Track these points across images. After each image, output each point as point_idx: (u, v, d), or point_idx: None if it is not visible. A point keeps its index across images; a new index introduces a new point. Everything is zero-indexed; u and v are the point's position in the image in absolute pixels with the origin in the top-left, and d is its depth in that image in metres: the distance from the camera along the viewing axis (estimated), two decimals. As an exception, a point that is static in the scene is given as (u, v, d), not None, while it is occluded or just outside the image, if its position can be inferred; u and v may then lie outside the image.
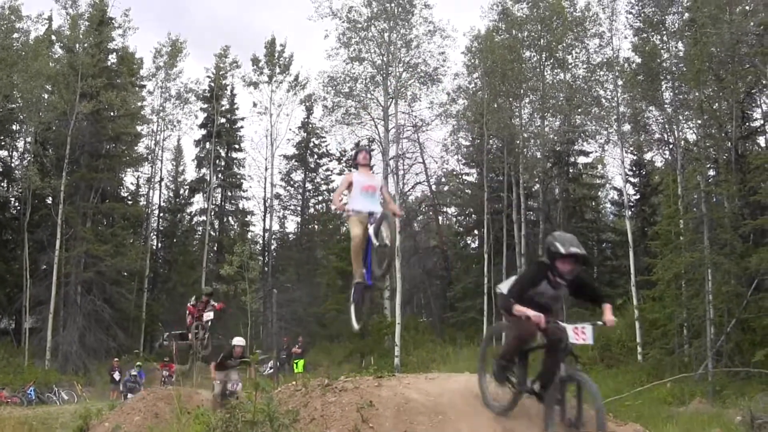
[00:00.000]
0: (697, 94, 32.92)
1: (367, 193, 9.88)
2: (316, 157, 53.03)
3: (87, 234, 40.95)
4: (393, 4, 42.26)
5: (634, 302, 34.34)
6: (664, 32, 36.38)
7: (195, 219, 52.39)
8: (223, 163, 51.61)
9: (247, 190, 52.91)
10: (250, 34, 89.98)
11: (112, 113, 44.23)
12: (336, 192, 10.22)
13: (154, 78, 49.56)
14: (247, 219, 53.09)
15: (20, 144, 46.01)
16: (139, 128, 47.76)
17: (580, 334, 7.58)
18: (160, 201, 51.54)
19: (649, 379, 28.46)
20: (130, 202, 48.44)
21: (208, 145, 50.28)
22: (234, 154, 52.21)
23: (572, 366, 7.76)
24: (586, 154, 44.92)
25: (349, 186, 9.95)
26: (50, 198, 43.06)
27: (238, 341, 18.15)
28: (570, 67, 41.88)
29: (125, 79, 45.47)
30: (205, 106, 50.65)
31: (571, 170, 44.41)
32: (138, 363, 31.87)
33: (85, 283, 40.93)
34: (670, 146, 37.76)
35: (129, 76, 46.45)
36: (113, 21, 45.45)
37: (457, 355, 37.16)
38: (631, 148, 41.31)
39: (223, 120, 51.35)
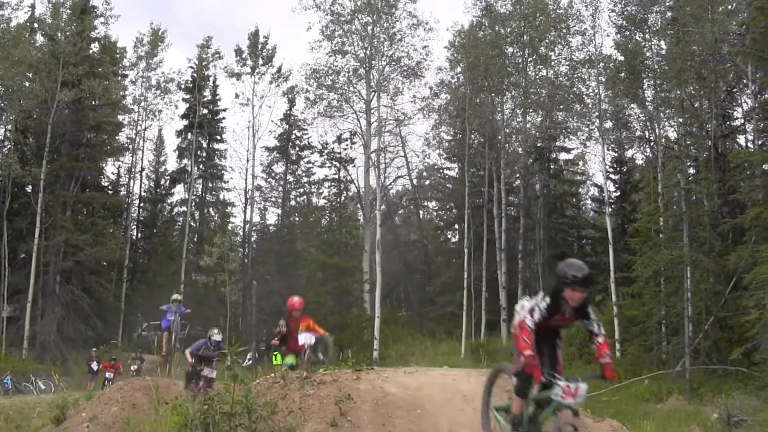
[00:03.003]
0: (678, 92, 33.09)
1: None
2: (297, 149, 52.75)
3: (66, 223, 40.67)
4: (377, -3, 42.24)
5: (613, 299, 34.54)
6: (647, 30, 36.52)
7: (175, 209, 52.11)
8: (204, 154, 51.26)
9: (228, 182, 52.75)
10: (233, 26, 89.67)
11: (93, 102, 43.95)
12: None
13: (135, 68, 49.26)
14: (227, 210, 52.87)
15: (0, 132, 45.59)
16: (120, 118, 47.41)
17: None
18: (140, 191, 51.20)
19: (627, 376, 28.56)
20: (110, 192, 48.07)
21: (189, 135, 49.88)
22: (215, 145, 51.90)
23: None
24: (568, 150, 45.25)
25: None
26: (30, 186, 42.57)
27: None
28: (552, 63, 42.06)
29: (107, 68, 45.18)
30: (187, 96, 50.33)
31: (552, 166, 44.63)
32: None
33: (64, 272, 40.65)
34: (651, 144, 37.99)
35: (111, 65, 46.16)
36: (95, 9, 45.18)
37: (435, 349, 37.26)
38: (612, 145, 41.49)
39: (205, 111, 50.99)
